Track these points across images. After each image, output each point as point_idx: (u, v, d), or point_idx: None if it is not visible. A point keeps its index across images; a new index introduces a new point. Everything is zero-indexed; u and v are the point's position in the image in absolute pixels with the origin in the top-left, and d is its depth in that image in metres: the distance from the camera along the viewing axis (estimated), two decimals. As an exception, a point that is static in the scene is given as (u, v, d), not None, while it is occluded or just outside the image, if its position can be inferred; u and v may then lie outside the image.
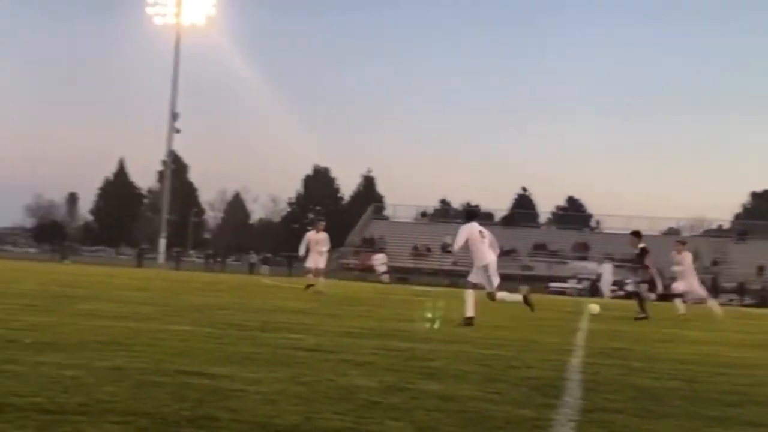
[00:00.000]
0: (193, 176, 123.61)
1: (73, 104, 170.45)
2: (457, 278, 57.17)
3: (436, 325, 11.86)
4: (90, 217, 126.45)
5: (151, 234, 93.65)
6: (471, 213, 15.50)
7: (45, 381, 5.59)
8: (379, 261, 49.93)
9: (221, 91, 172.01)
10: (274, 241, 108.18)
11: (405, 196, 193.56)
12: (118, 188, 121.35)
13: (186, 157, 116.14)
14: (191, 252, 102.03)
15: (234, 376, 6.27)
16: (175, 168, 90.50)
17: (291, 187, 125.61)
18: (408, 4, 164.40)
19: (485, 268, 12.80)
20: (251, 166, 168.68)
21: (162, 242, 68.82)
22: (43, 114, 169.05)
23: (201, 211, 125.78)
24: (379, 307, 18.13)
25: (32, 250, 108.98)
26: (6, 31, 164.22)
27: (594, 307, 18.01)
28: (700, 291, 20.08)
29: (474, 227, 12.98)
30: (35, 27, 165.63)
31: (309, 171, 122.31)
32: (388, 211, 79.99)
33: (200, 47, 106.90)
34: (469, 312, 12.46)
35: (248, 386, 5.78)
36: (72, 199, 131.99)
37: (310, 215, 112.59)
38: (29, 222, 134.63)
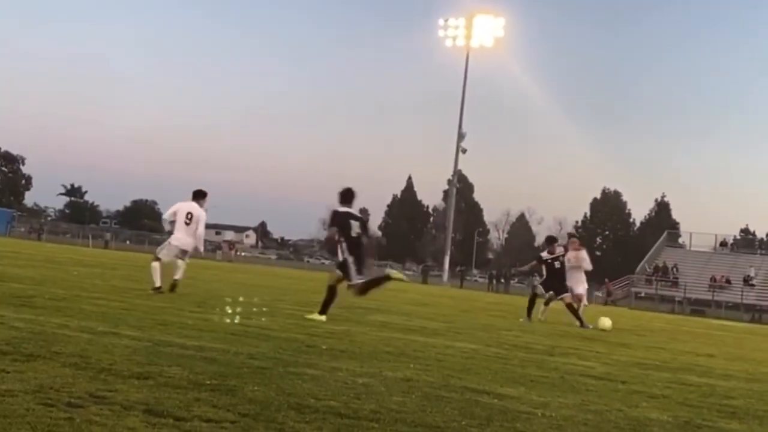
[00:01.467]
0: (479, 196, 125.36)
1: (365, 121, 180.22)
2: (761, 313, 53.46)
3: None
4: (378, 233, 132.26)
5: (435, 251, 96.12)
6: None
7: (340, 386, 5.81)
8: None
9: (508, 112, 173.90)
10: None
11: (702, 223, 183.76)
12: (406, 205, 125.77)
13: (472, 177, 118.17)
14: (474, 271, 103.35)
15: (521, 397, 6.17)
16: (461, 187, 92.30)
17: (578, 210, 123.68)
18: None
19: None
20: (537, 187, 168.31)
21: (446, 260, 70.33)
22: (335, 132, 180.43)
23: (485, 231, 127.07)
24: (672, 339, 17.17)
25: (327, 261, 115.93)
26: (296, 52, 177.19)
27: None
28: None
29: None
30: (329, 48, 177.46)
31: (597, 194, 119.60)
32: (683, 239, 76.12)
33: (488, 68, 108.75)
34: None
35: (535, 409, 5.66)
36: (363, 214, 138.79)
37: (598, 239, 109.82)
38: (324, 235, 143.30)
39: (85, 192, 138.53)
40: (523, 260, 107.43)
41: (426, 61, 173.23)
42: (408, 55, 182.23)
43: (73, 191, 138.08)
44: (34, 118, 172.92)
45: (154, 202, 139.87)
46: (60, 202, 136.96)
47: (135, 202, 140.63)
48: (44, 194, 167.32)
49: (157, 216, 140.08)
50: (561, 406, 5.94)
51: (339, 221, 11.92)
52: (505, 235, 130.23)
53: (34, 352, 5.83)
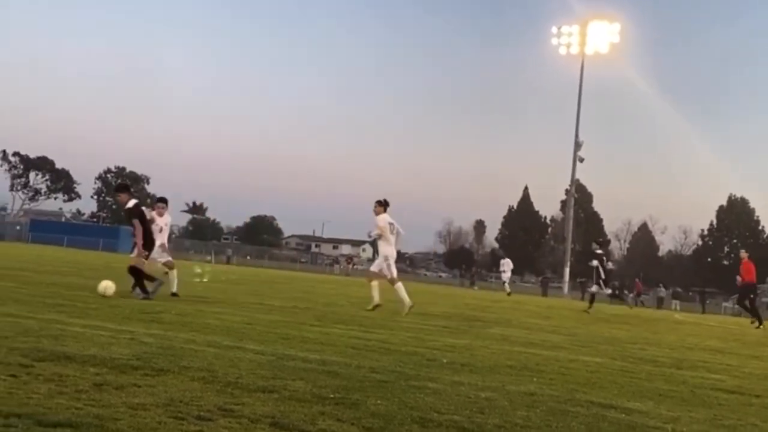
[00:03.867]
0: (598, 205, 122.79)
1: (479, 133, 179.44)
2: None
3: None
4: (495, 244, 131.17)
5: (554, 263, 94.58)
6: None
7: (462, 400, 5.76)
8: None
9: (626, 118, 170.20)
10: (684, 275, 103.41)
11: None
12: (523, 216, 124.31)
13: (590, 186, 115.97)
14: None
15: (650, 412, 5.97)
16: (579, 197, 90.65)
17: (703, 218, 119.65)
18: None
19: None
20: (659, 195, 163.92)
21: (566, 271, 69.07)
22: (447, 144, 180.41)
23: (606, 242, 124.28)
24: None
25: (443, 274, 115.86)
26: (405, 63, 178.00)
27: None
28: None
29: None
30: (439, 60, 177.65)
31: (723, 201, 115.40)
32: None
33: (603, 74, 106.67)
34: None
35: (665, 424, 5.47)
36: (479, 226, 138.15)
37: (726, 248, 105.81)
38: (440, 248, 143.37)
39: (206, 209, 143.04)
40: (646, 271, 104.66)
41: (539, 70, 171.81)
42: (521, 65, 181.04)
43: (195, 209, 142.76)
44: (157, 138, 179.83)
45: (273, 218, 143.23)
46: (183, 220, 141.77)
47: (254, 218, 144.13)
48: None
49: (275, 231, 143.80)
50: (692, 420, 5.72)
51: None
52: (627, 245, 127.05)
53: (164, 366, 6.00)
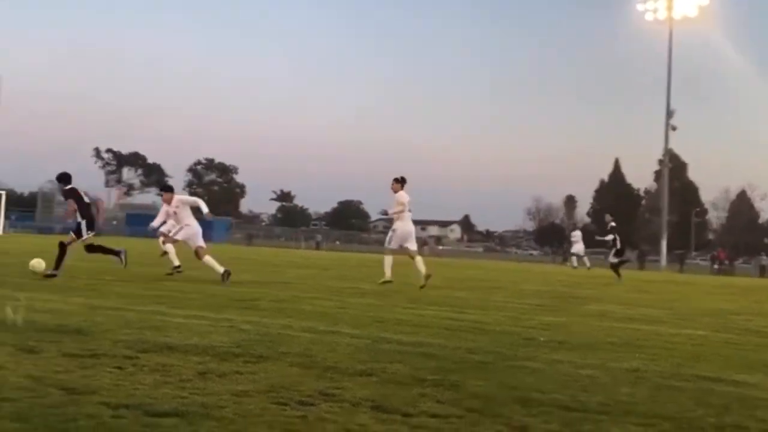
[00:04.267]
0: (693, 175, 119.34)
1: (565, 105, 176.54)
2: None
3: None
4: (588, 219, 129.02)
5: (649, 236, 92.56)
6: None
7: (563, 379, 5.66)
8: None
9: (718, 84, 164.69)
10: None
11: None
12: (614, 189, 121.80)
13: (684, 155, 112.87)
14: (694, 254, 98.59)
15: (759, 384, 5.81)
16: (673, 167, 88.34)
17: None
18: None
19: None
20: (757, 161, 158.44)
21: (663, 244, 67.46)
22: (534, 118, 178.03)
23: (703, 211, 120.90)
24: None
25: (534, 252, 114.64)
26: (488, 35, 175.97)
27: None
28: None
29: None
30: (524, 30, 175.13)
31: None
32: None
33: (694, 40, 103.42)
34: None
35: (777, 396, 5.27)
36: (570, 201, 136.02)
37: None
38: (530, 225, 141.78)
39: (294, 196, 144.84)
40: (746, 239, 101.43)
41: (626, 37, 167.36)
42: (606, 34, 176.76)
43: (284, 196, 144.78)
44: (244, 129, 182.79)
45: (360, 202, 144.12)
46: (272, 207, 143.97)
47: (341, 203, 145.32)
48: (257, 201, 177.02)
49: (363, 215, 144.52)
50: (806, 393, 5.51)
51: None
52: (726, 214, 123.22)
53: (263, 353, 6.07)
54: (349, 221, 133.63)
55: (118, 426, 3.79)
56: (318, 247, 68.26)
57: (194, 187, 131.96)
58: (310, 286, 14.30)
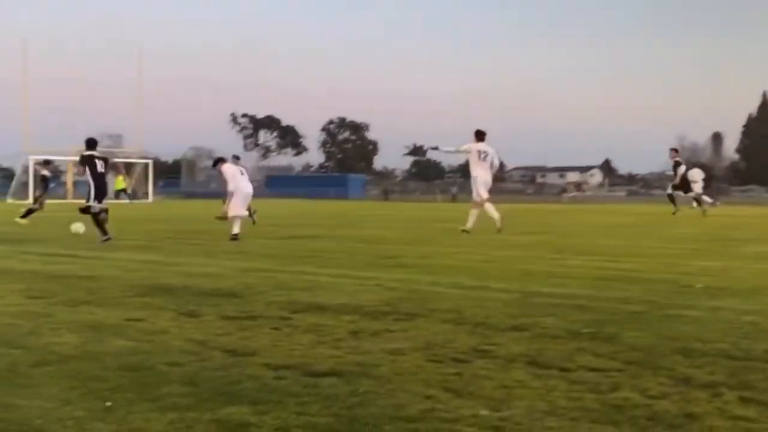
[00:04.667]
0: None
1: (709, 40, 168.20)
2: None
3: None
4: (736, 156, 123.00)
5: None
6: None
7: (724, 326, 5.45)
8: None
9: None
10: None
11: None
12: (764, 123, 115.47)
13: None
14: None
15: None
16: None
17: None
18: None
19: None
20: None
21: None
22: (675, 54, 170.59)
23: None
24: None
25: (681, 193, 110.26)
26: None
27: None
28: None
29: None
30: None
31: None
32: None
33: None
34: None
35: None
36: (716, 139, 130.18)
37: None
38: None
39: (427, 150, 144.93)
40: None
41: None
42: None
43: (416, 150, 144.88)
44: (374, 85, 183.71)
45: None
46: (406, 163, 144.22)
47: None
48: (391, 156, 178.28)
49: (499, 165, 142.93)
50: None
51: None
52: None
53: (413, 310, 6.10)
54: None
55: (281, 387, 3.88)
56: (454, 199, 68.05)
57: (328, 146, 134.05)
58: (454, 240, 14.27)
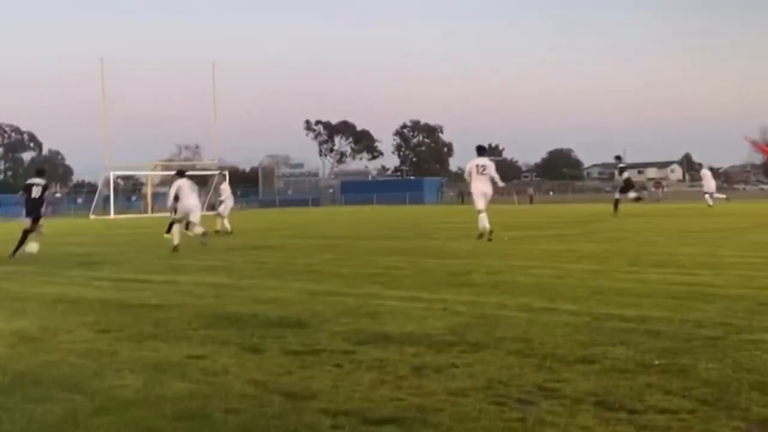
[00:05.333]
0: None
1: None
2: None
3: None
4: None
5: None
6: None
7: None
8: None
9: None
10: None
11: None
12: None
13: None
14: None
15: None
16: None
17: None
18: None
19: None
20: None
21: None
22: (755, 44, 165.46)
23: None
24: None
25: (765, 186, 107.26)
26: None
27: None
28: None
29: None
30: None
31: None
32: None
33: None
34: None
35: None
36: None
37: None
38: (758, 158, 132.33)
39: (503, 149, 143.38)
40: None
41: None
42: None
43: (491, 150, 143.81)
44: (447, 88, 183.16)
45: (570, 150, 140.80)
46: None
47: (551, 152, 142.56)
48: (465, 157, 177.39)
49: (575, 163, 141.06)
50: None
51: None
52: None
53: (479, 340, 5.96)
54: (561, 170, 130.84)
55: (337, 436, 3.82)
56: (531, 200, 67.30)
57: (402, 150, 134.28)
58: (525, 252, 14.02)
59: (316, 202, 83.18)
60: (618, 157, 30.61)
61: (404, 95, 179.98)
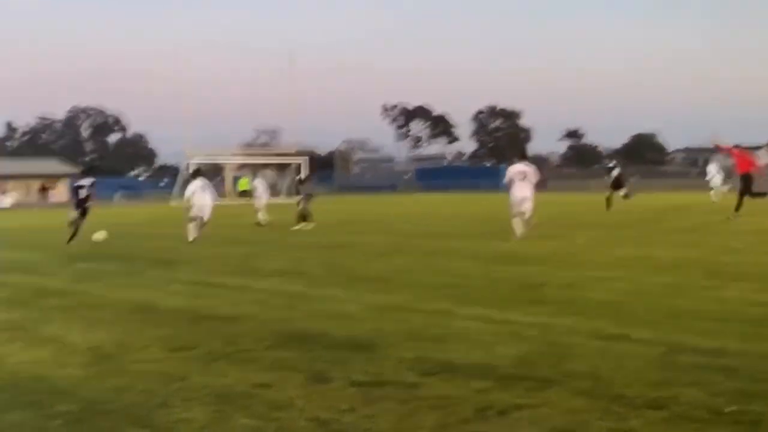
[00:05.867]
0: None
1: None
2: None
3: None
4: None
5: None
6: None
7: None
8: None
9: None
10: None
11: None
12: None
13: None
14: None
15: None
16: None
17: None
18: None
19: None
20: None
21: None
22: None
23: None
24: None
25: None
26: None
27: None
28: None
29: None
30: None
31: None
32: None
33: None
34: None
35: None
36: None
37: None
38: None
39: (583, 134, 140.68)
40: None
41: None
42: None
43: (572, 134, 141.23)
44: (526, 72, 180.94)
45: (653, 134, 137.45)
46: (562, 147, 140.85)
47: (634, 137, 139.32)
48: (546, 142, 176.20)
49: (658, 148, 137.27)
50: None
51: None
52: None
53: (547, 374, 5.84)
54: (643, 155, 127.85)
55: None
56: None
57: (480, 134, 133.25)
58: (599, 259, 13.70)
59: (392, 188, 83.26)
60: (609, 159, 33.06)
61: (482, 79, 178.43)
